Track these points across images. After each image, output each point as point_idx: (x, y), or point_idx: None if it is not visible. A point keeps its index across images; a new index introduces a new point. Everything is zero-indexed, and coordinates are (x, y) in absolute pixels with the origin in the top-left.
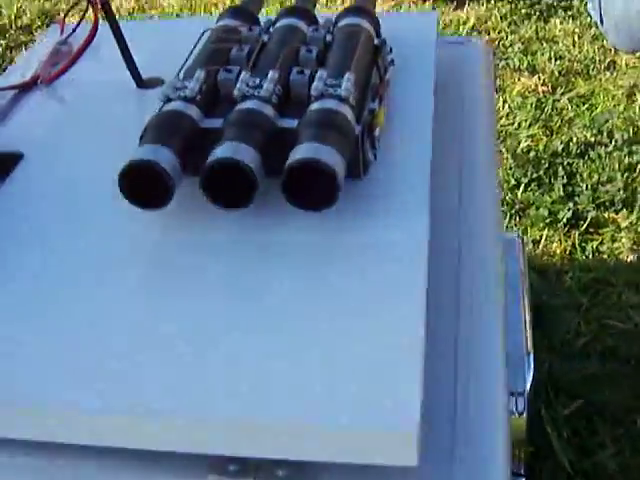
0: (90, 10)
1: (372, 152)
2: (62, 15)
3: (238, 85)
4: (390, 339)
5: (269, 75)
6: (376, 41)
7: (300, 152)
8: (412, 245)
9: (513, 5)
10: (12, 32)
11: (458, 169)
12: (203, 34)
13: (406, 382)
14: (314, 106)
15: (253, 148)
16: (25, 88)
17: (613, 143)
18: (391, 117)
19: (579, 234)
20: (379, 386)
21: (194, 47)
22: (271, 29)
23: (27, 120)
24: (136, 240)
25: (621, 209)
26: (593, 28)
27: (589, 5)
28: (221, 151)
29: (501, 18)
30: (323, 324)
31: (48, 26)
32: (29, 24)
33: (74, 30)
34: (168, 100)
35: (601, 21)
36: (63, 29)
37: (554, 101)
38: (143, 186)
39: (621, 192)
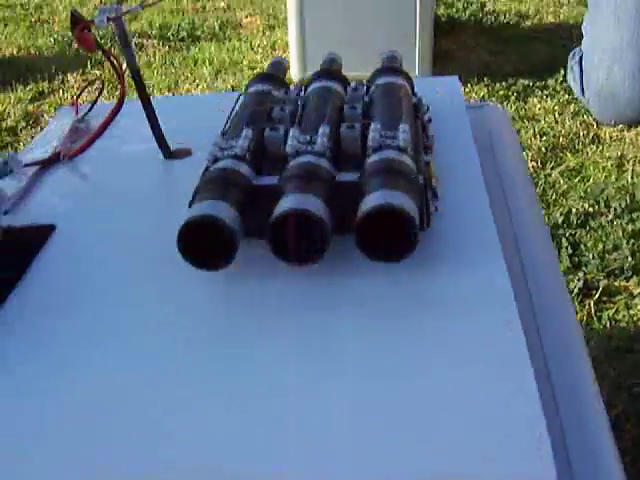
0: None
1: (434, 203)
2: (74, 97)
3: (289, 142)
4: (504, 384)
5: (320, 130)
6: (414, 98)
7: (372, 200)
8: (498, 291)
9: (489, 88)
10: None
11: (508, 218)
12: (238, 98)
13: (534, 428)
14: (373, 157)
15: (319, 199)
16: (47, 164)
17: (612, 212)
18: (439, 170)
19: (593, 303)
20: (506, 433)
21: (232, 111)
22: (301, 93)
23: (54, 194)
24: (194, 301)
25: (631, 276)
26: (572, 104)
27: (569, 76)
28: (288, 202)
29: (479, 101)
30: (426, 373)
31: (32, 127)
32: (14, 126)
33: (90, 109)
34: (216, 160)
35: (582, 92)
36: (77, 110)
37: (546, 175)
38: (203, 245)
39: (629, 259)
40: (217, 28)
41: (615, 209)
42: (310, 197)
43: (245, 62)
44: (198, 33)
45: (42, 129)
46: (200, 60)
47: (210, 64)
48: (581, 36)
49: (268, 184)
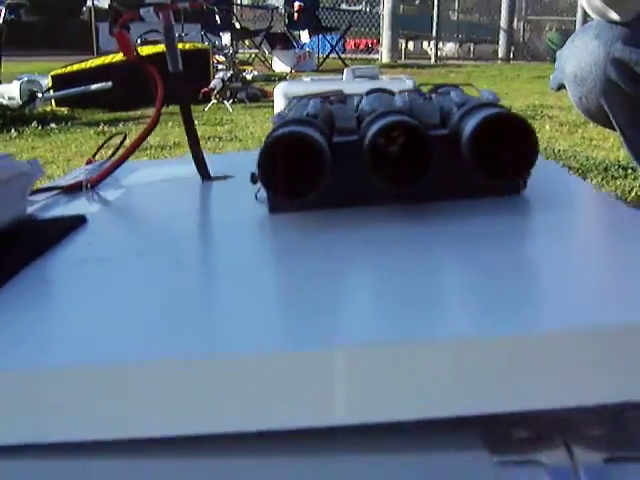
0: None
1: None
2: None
3: (364, 104)
4: None
5: (397, 98)
6: None
7: (480, 115)
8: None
9: None
10: None
11: None
12: (292, 100)
13: None
14: (460, 111)
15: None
16: (70, 190)
17: None
18: None
19: None
20: None
21: (286, 107)
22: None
23: (81, 210)
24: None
25: None
26: None
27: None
28: (388, 118)
29: None
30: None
31: None
32: None
33: (110, 157)
34: (284, 123)
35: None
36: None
37: None
38: (287, 172)
39: None
40: None
41: None
42: (406, 117)
43: None
44: None
45: None
46: None
47: None
48: None
49: (349, 139)
